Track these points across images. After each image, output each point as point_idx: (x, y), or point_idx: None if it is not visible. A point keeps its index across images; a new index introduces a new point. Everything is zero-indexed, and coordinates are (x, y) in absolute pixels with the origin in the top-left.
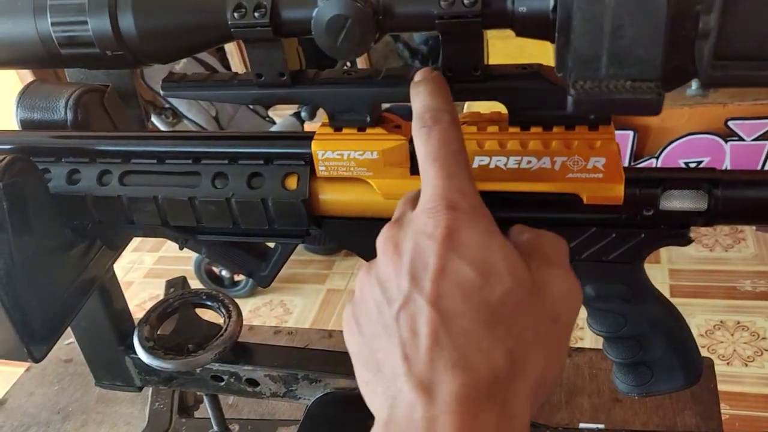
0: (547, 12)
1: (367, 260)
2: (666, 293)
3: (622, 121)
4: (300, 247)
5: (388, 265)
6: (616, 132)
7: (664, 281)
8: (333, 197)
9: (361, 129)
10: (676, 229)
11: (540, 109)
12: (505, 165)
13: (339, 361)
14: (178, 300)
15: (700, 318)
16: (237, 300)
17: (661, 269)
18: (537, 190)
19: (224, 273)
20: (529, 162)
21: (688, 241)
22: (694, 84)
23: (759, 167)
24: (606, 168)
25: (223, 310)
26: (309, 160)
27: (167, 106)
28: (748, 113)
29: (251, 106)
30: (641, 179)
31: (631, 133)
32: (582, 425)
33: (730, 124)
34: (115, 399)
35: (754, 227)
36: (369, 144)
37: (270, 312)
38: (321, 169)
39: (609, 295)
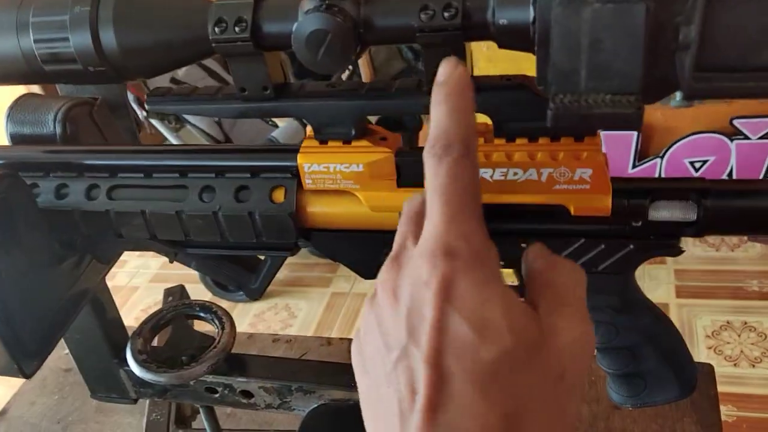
0: (527, 25)
1: (357, 272)
2: (672, 294)
3: None
4: (304, 250)
5: (387, 309)
6: (621, 132)
7: (669, 282)
8: (320, 210)
9: (347, 142)
10: (666, 240)
11: (525, 120)
12: (491, 177)
13: (333, 373)
14: (171, 312)
15: (706, 319)
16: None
17: (667, 269)
18: (523, 201)
19: None
20: (515, 174)
21: (678, 252)
22: (678, 96)
23: (765, 166)
24: (593, 179)
25: (217, 322)
26: (296, 173)
27: (171, 113)
28: (753, 111)
29: None
30: (629, 190)
31: (635, 133)
32: None
33: (736, 122)
34: (114, 409)
35: (744, 236)
36: (354, 157)
37: (275, 316)
38: (308, 182)
39: (600, 305)
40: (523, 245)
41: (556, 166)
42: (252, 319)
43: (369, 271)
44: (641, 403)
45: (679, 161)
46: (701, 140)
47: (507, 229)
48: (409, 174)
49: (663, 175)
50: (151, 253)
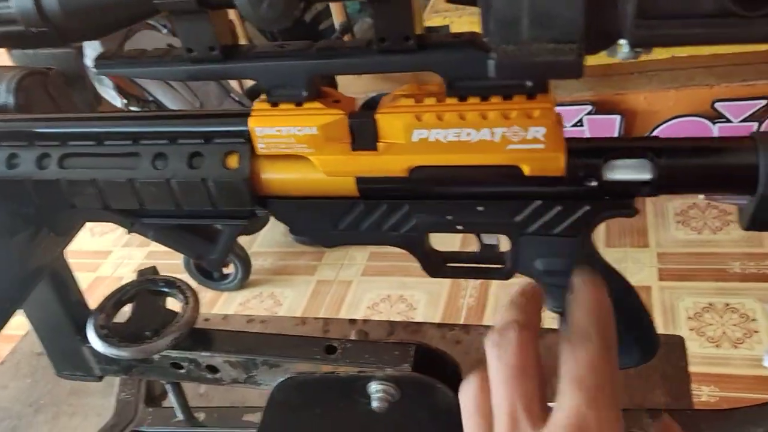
0: None
1: (315, 241)
2: (654, 277)
3: (609, 105)
4: (290, 238)
5: None
6: (604, 116)
7: (652, 265)
8: (276, 176)
9: (299, 104)
10: (622, 200)
11: (476, 78)
12: (445, 138)
13: (298, 345)
14: (134, 287)
15: (688, 301)
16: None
17: (650, 253)
18: (477, 162)
19: None
20: (468, 134)
21: (633, 212)
22: (625, 47)
23: None
24: (547, 138)
25: (181, 296)
26: (248, 138)
27: (151, 99)
28: (735, 94)
29: (235, 97)
30: (583, 150)
31: (618, 117)
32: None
33: (717, 105)
34: (87, 391)
35: (701, 196)
36: (307, 119)
37: (260, 304)
38: (261, 147)
39: (558, 269)
40: (480, 208)
41: (509, 125)
42: (237, 307)
43: (327, 240)
44: None
45: None
46: (684, 124)
47: (462, 192)
48: (364, 136)
49: None
50: (136, 243)
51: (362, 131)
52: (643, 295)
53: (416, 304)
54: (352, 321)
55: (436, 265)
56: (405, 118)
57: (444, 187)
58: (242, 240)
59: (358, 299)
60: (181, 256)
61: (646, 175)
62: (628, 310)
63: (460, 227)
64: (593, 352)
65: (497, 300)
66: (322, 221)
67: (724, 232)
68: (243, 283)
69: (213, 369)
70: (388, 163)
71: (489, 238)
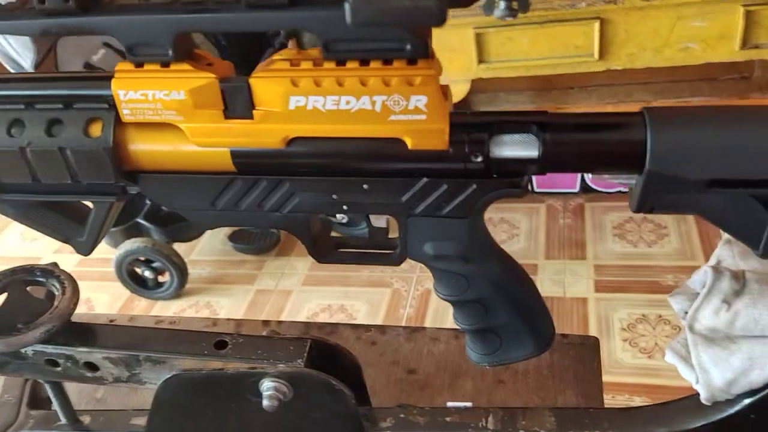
0: None
1: (192, 221)
2: (591, 289)
3: None
4: (230, 246)
5: None
6: None
7: (589, 276)
8: (144, 147)
9: (165, 65)
10: (509, 178)
11: (352, 40)
12: (323, 106)
13: (184, 341)
14: (7, 277)
15: (622, 312)
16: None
17: (587, 265)
18: (359, 134)
19: (147, 273)
20: (348, 102)
21: (522, 192)
22: (502, 5)
23: None
24: (429, 108)
25: (57, 286)
26: (113, 104)
27: None
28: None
29: None
30: (467, 124)
31: None
32: (449, 404)
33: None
34: None
35: (589, 175)
36: (174, 82)
37: (196, 314)
38: (126, 113)
39: (448, 253)
40: (365, 186)
41: (390, 94)
42: (172, 318)
43: (205, 220)
44: (498, 361)
45: None
46: None
47: (345, 168)
48: (238, 103)
49: (586, 175)
50: (69, 249)
51: (235, 97)
52: (580, 306)
53: (356, 314)
54: (266, 322)
55: (325, 249)
56: (281, 83)
57: (325, 162)
58: (181, 248)
59: (297, 309)
60: (112, 263)
61: (532, 152)
62: (523, 299)
63: (345, 207)
64: None
65: (437, 310)
66: (198, 199)
67: (659, 246)
68: (178, 291)
69: (92, 366)
70: (264, 133)
71: (379, 221)
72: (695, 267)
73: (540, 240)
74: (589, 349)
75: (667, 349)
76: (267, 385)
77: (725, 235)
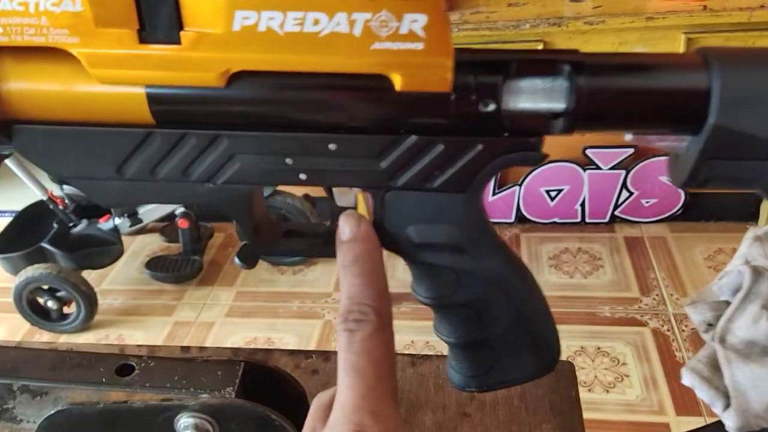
0: None
1: (89, 194)
2: None
3: None
4: (146, 274)
5: None
6: None
7: None
8: (22, 85)
9: None
10: (526, 138)
11: None
12: (282, 26)
13: (74, 365)
14: None
15: (561, 344)
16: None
17: None
18: (328, 69)
19: (51, 304)
20: (316, 22)
21: (540, 158)
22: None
23: (615, 196)
24: (428, 34)
25: None
26: None
27: None
28: (604, 142)
29: None
30: (475, 62)
31: None
32: None
33: (588, 152)
34: None
35: (629, 136)
36: None
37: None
38: None
39: (436, 241)
40: (331, 146)
41: (375, 11)
42: None
43: (106, 194)
44: (490, 384)
45: (536, 191)
46: (556, 169)
47: (306, 118)
48: (159, 20)
49: (522, 205)
50: None
51: (156, 12)
52: None
53: (285, 347)
54: (185, 348)
55: (270, 237)
56: None
57: (279, 110)
58: (90, 275)
59: (220, 342)
60: (10, 292)
61: (559, 104)
62: (525, 304)
63: (303, 176)
64: (370, 332)
65: None
66: (98, 163)
67: (594, 277)
68: (86, 324)
69: None
70: (195, 64)
71: (344, 198)
72: (630, 299)
73: None
74: (564, 375)
75: (685, 370)
76: (185, 422)
77: (753, 231)
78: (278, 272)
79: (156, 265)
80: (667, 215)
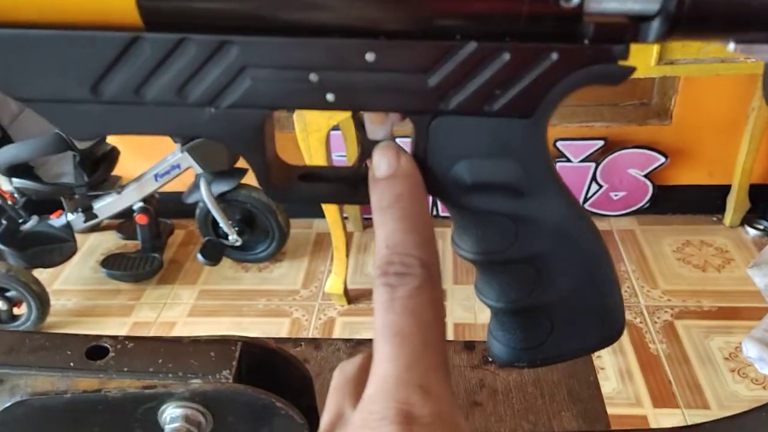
0: None
1: (53, 121)
2: None
3: None
4: (102, 273)
5: None
6: None
7: None
8: None
9: None
10: (609, 47)
11: None
12: None
13: (36, 348)
14: None
15: None
16: None
17: None
18: None
19: (0, 304)
20: None
21: (626, 74)
22: None
23: (584, 189)
24: None
25: None
26: None
27: None
28: (574, 134)
29: None
30: None
31: None
32: None
33: (559, 144)
34: None
35: (731, 45)
36: None
37: None
38: None
39: (492, 180)
40: (369, 56)
41: None
42: None
43: (78, 123)
44: (543, 358)
45: None
46: None
47: (339, 19)
48: None
49: None
50: None
51: None
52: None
53: None
54: (156, 338)
55: (285, 181)
56: None
57: (303, 3)
58: (42, 274)
59: None
60: None
61: (653, 3)
62: (592, 261)
63: (331, 96)
64: (416, 288)
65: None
66: (67, 79)
67: None
68: (38, 325)
69: None
70: None
71: (378, 130)
72: None
73: (447, 264)
74: (581, 358)
75: (748, 340)
76: (172, 413)
77: None
78: (243, 270)
79: (112, 264)
80: (635, 208)
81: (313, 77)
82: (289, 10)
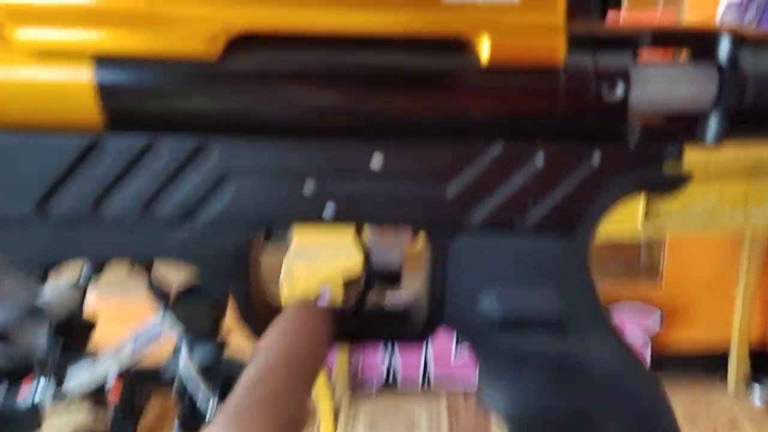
0: None
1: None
2: None
3: None
4: None
5: None
6: None
7: None
8: None
9: None
10: (662, 147)
11: None
12: None
13: None
14: None
15: None
16: None
17: None
18: (375, 29)
19: None
20: None
21: (680, 180)
22: None
23: None
24: None
25: None
26: None
27: None
28: None
29: None
30: (593, 35)
31: None
32: None
33: None
34: None
35: None
36: None
37: None
38: None
39: (528, 313)
40: (375, 160)
41: None
42: None
43: (20, 246)
44: None
45: None
46: None
47: (340, 114)
48: None
49: None
50: None
51: None
52: None
53: None
54: None
55: (268, 312)
56: None
57: (301, 100)
58: None
59: None
60: None
61: (709, 91)
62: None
63: (330, 209)
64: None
65: None
66: (9, 192)
67: None
68: None
69: None
70: (171, 23)
71: (384, 247)
72: None
73: None
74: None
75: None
76: None
77: None
78: None
79: None
80: None
81: (310, 185)
82: (279, 106)
